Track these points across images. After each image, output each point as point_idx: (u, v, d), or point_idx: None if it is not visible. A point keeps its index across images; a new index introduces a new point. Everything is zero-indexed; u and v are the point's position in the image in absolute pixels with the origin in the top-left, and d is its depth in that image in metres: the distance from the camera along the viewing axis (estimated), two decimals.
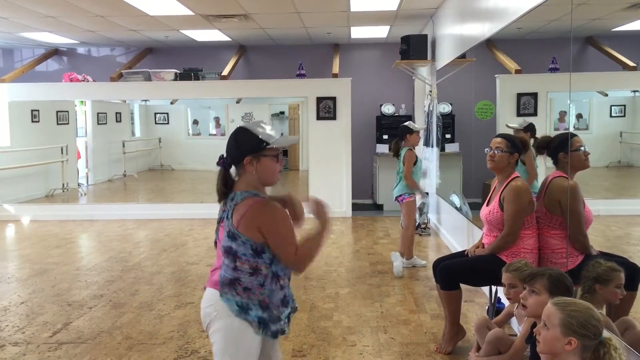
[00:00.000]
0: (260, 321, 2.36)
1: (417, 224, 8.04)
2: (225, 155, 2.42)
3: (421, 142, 8.76)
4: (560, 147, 3.45)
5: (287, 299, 2.48)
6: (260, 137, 2.36)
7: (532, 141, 4.11)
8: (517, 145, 3.74)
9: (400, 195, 6.15)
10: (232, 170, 2.45)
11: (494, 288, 4.13)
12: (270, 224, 2.32)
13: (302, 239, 2.38)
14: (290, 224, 2.38)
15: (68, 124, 11.51)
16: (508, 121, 5.02)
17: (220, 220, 2.45)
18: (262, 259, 2.34)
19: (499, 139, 3.76)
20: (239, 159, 2.38)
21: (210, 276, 2.47)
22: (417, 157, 6.16)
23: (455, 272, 3.81)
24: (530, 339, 2.69)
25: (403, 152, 6.14)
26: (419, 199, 7.81)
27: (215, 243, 2.49)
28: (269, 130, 2.39)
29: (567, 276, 2.79)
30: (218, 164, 2.42)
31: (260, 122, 2.43)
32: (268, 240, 2.32)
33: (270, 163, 2.40)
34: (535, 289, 2.72)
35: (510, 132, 4.44)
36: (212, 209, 2.51)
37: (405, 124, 6.27)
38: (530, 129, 4.42)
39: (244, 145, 2.38)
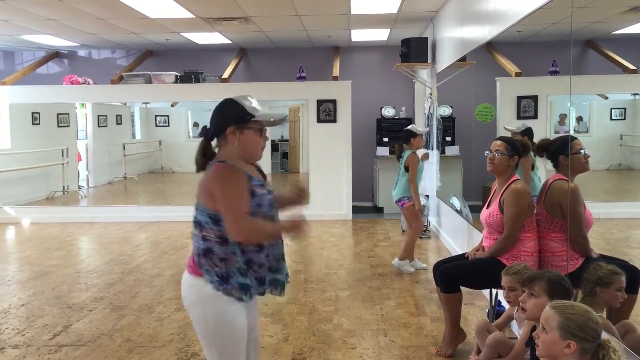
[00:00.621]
0: (242, 287, 2.32)
1: None
2: (208, 127, 2.40)
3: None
4: (561, 149, 3.45)
5: (273, 260, 2.42)
6: (246, 109, 2.34)
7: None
8: (517, 148, 3.75)
9: (400, 200, 6.13)
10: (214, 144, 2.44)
11: (494, 291, 4.13)
12: (219, 184, 2.26)
13: (264, 220, 2.34)
14: (245, 190, 2.29)
15: (68, 126, 11.52)
16: (508, 124, 5.02)
17: None
18: (222, 227, 2.29)
19: (498, 142, 3.76)
20: (221, 129, 2.36)
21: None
22: (419, 160, 6.16)
23: (456, 274, 3.81)
24: (530, 342, 2.69)
25: (406, 154, 6.13)
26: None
27: None
28: (255, 104, 2.37)
29: (566, 279, 2.79)
30: (200, 134, 2.40)
31: (247, 96, 2.40)
32: (218, 202, 2.26)
33: (254, 136, 2.37)
34: (534, 291, 2.72)
35: (508, 134, 4.44)
36: None
37: (409, 127, 6.28)
38: (527, 132, 4.42)
39: (229, 115, 2.36)
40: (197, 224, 2.34)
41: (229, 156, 2.34)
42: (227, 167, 2.29)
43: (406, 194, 6.09)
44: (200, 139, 2.41)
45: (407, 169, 6.07)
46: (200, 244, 2.34)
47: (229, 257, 2.30)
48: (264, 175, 2.54)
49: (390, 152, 9.57)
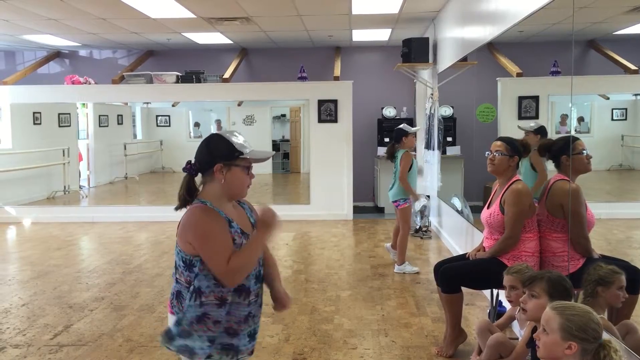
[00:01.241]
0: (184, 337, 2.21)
1: (418, 226, 8.05)
2: (193, 162, 2.31)
3: (422, 144, 8.79)
4: (563, 150, 3.45)
5: (233, 321, 2.25)
6: (234, 145, 2.24)
7: None
8: (517, 148, 3.74)
9: (396, 201, 6.12)
10: (198, 178, 2.34)
11: (495, 291, 4.12)
12: (199, 229, 2.18)
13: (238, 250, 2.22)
14: (223, 233, 2.20)
15: (70, 126, 11.54)
16: (510, 124, 5.03)
17: None
18: (193, 273, 2.20)
19: (498, 142, 3.76)
20: (208, 166, 2.27)
21: None
22: (412, 160, 6.14)
23: (457, 275, 3.81)
24: (532, 343, 2.68)
25: (400, 154, 6.11)
26: (417, 204, 7.80)
27: None
28: (242, 141, 2.29)
29: (567, 279, 2.78)
30: (184, 169, 2.31)
31: (234, 132, 2.32)
32: (197, 249, 2.17)
33: (241, 174, 2.27)
34: (535, 292, 2.72)
35: (522, 133, 4.43)
36: None
37: (400, 126, 6.23)
38: (541, 131, 4.41)
39: (216, 152, 2.26)
40: (175, 264, 2.29)
41: (212, 195, 2.27)
42: (203, 210, 2.23)
43: (402, 196, 6.09)
44: (184, 175, 2.32)
45: None
46: (174, 285, 2.29)
47: (190, 302, 2.23)
48: (251, 209, 2.44)
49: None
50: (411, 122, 9.84)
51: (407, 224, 6.15)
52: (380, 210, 10.00)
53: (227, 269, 2.14)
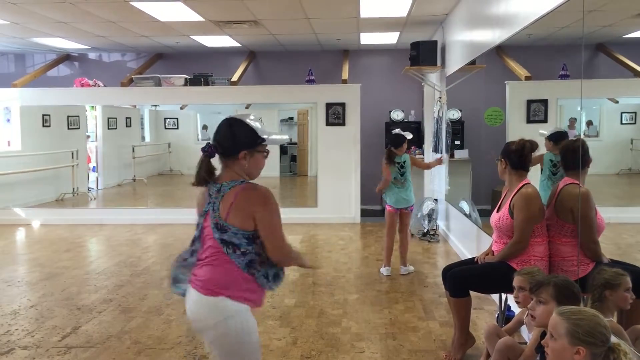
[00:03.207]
0: (275, 277, 2.43)
1: (426, 230, 8.03)
2: (213, 145, 2.36)
3: (430, 147, 8.79)
4: (586, 154, 3.45)
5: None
6: (257, 132, 2.36)
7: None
8: (505, 152, 3.76)
9: (413, 205, 6.18)
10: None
11: (503, 295, 4.10)
12: (269, 208, 2.31)
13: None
14: (279, 209, 2.37)
15: (79, 128, 11.60)
16: (518, 128, 5.02)
17: (204, 214, 2.39)
18: (255, 244, 2.33)
19: None
20: (232, 152, 2.34)
21: (195, 273, 2.41)
22: None
23: (465, 279, 3.79)
24: (540, 347, 2.67)
25: (407, 158, 6.11)
26: (425, 207, 7.81)
27: (198, 236, 2.44)
28: (260, 125, 2.39)
29: (574, 283, 2.77)
30: (205, 151, 2.36)
31: (249, 115, 2.40)
32: (259, 224, 2.30)
33: (261, 159, 2.42)
34: (542, 298, 2.71)
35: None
36: None
37: (397, 131, 6.16)
38: (553, 138, 4.39)
39: (242, 139, 2.34)
40: (230, 244, 2.32)
41: (239, 175, 2.37)
42: (257, 188, 2.34)
43: (415, 198, 6.17)
44: (205, 157, 2.39)
45: None
46: (240, 259, 2.32)
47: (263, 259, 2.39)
48: None
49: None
50: (419, 125, 9.87)
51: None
52: None
53: (286, 249, 2.38)
